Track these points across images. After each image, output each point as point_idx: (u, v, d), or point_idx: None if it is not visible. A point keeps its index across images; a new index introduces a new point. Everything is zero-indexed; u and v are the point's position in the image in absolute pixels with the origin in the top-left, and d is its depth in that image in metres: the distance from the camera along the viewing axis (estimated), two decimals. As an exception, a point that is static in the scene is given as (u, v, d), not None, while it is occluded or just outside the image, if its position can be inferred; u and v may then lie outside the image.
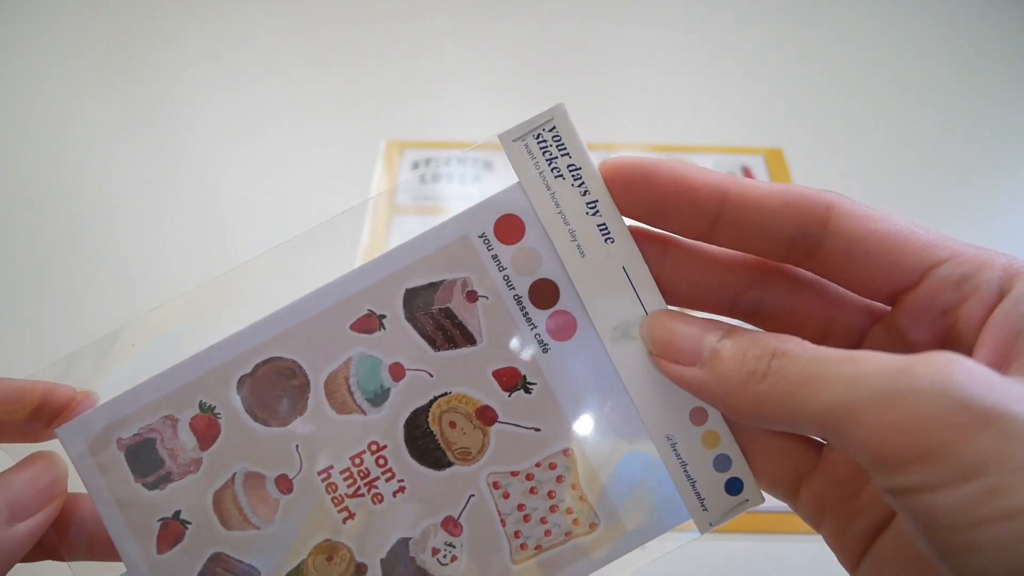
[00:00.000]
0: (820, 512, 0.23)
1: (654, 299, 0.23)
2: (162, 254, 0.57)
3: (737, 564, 0.43)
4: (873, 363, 0.18)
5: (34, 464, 0.23)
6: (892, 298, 0.22)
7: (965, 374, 0.17)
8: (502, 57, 0.72)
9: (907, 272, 0.21)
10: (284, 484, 0.23)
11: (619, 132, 0.64)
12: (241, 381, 0.23)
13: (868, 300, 0.24)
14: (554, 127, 0.23)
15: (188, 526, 0.23)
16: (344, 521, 0.23)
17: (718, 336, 0.22)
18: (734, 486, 0.24)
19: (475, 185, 0.59)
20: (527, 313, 0.24)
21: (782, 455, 0.24)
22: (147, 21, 0.75)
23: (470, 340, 0.24)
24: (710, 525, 0.24)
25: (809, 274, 0.24)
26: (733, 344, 0.21)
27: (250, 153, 0.64)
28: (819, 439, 0.24)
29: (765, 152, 0.61)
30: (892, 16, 0.74)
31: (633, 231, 0.23)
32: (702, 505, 0.24)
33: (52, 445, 0.23)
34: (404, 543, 0.23)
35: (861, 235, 0.21)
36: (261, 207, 0.60)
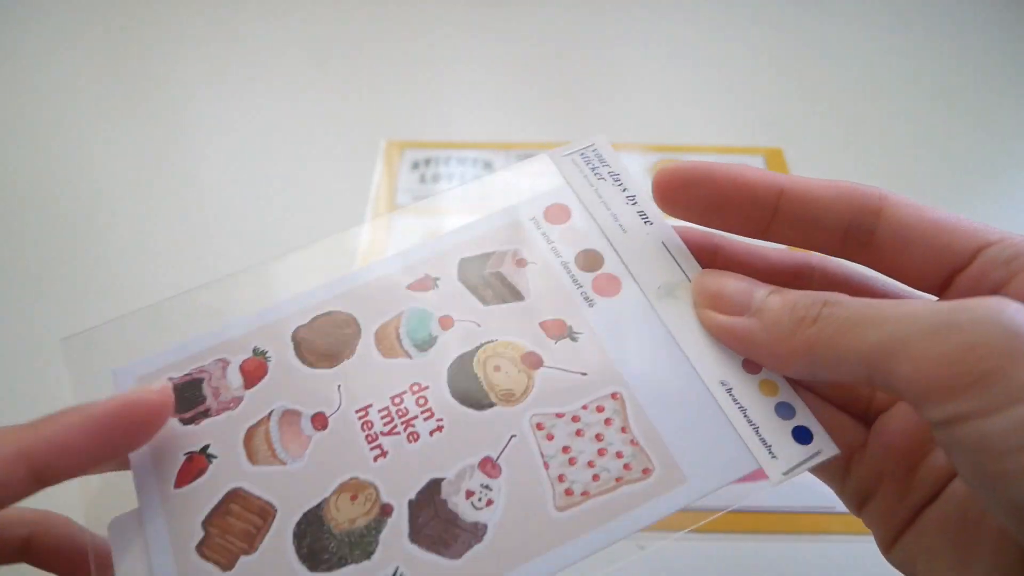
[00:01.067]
0: (868, 489, 0.23)
1: (693, 267, 0.24)
2: (163, 254, 0.56)
3: (745, 565, 0.39)
4: (924, 304, 0.19)
5: None
6: (944, 283, 0.23)
7: (1017, 310, 0.18)
8: (502, 56, 0.72)
9: (959, 254, 0.22)
10: (320, 421, 0.22)
11: (620, 132, 0.63)
12: (297, 330, 0.24)
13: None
14: (596, 149, 0.27)
15: (213, 460, 0.22)
16: (375, 459, 0.22)
17: (767, 291, 0.23)
18: (802, 435, 0.21)
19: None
20: (573, 275, 0.25)
21: (832, 429, 0.23)
22: (147, 21, 0.75)
23: (518, 297, 0.24)
24: (784, 475, 0.21)
25: (852, 271, 0.25)
26: (783, 297, 0.22)
27: (251, 153, 0.63)
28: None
29: (765, 152, 0.60)
30: (893, 16, 0.74)
31: (682, 236, 0.25)
32: (770, 453, 0.21)
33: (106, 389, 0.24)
34: (436, 484, 0.21)
35: (913, 222, 0.23)
36: (262, 207, 0.59)
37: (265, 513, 0.21)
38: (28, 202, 0.61)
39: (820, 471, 0.24)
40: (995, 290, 0.21)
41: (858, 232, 0.23)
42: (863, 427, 0.24)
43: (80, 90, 0.70)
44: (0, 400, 0.48)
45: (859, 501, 0.24)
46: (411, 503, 0.21)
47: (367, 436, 0.22)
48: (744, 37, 0.75)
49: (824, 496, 0.25)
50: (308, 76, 0.71)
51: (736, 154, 0.64)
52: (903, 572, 0.22)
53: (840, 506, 0.24)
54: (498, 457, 0.22)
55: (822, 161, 0.63)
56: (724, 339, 0.23)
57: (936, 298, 0.23)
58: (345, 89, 0.69)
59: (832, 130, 0.66)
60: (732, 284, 0.23)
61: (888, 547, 0.23)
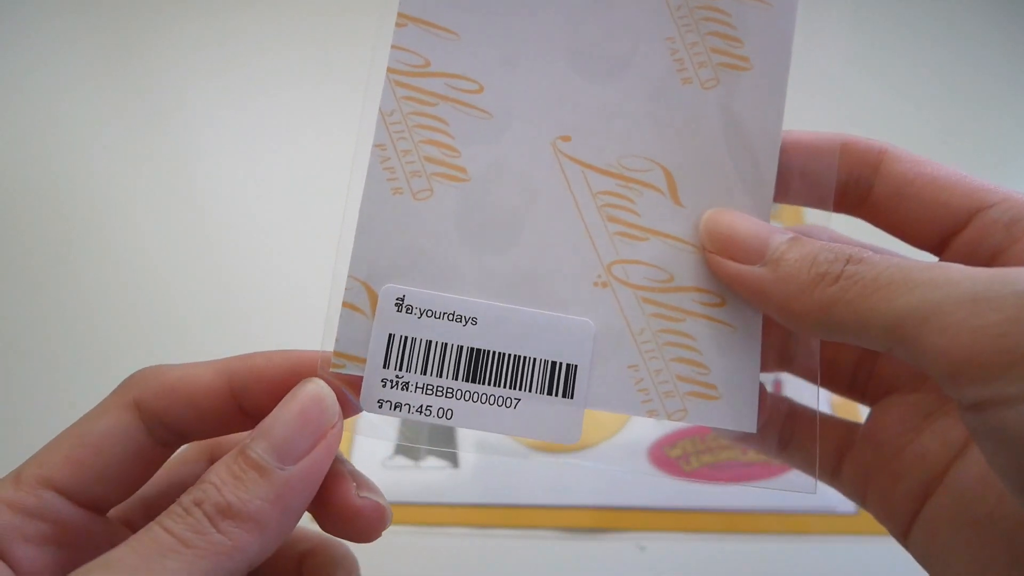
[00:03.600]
0: (864, 481, 0.23)
1: None
2: (163, 253, 0.57)
3: (745, 565, 0.41)
4: (960, 270, 0.17)
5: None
6: (941, 244, 0.22)
7: None
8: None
9: (955, 214, 0.22)
10: None
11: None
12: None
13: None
14: None
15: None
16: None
17: (785, 238, 0.21)
18: None
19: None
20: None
21: (823, 431, 0.24)
22: (147, 21, 0.74)
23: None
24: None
25: None
26: (802, 247, 0.20)
27: (254, 150, 0.63)
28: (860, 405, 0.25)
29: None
30: (893, 15, 0.75)
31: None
32: None
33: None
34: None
35: (910, 178, 0.22)
36: (263, 207, 0.59)
37: None
38: (27, 203, 0.60)
39: (813, 472, 0.24)
40: (994, 255, 0.21)
41: (856, 187, 0.23)
42: (848, 426, 0.24)
43: (79, 90, 0.67)
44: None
45: (858, 498, 0.23)
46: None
47: None
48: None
49: (824, 496, 0.25)
50: (309, 73, 0.69)
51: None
52: (923, 567, 0.22)
53: (840, 506, 0.24)
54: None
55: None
56: (733, 288, 0.22)
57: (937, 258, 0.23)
58: (347, 90, 0.66)
59: (832, 130, 0.66)
60: (745, 227, 0.22)
61: (902, 540, 0.22)
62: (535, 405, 0.22)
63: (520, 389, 0.22)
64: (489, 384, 0.22)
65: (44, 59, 0.70)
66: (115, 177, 0.62)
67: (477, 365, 0.22)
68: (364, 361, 0.21)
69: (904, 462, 0.22)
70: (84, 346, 0.52)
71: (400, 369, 0.21)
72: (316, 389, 0.20)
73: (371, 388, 0.21)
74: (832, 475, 0.24)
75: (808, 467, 0.23)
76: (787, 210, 0.58)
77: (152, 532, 0.18)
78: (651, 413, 0.22)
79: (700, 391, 0.22)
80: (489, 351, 0.22)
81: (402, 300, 0.22)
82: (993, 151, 0.64)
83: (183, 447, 0.23)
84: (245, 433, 0.20)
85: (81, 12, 0.74)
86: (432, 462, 0.44)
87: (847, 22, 0.75)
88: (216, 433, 0.22)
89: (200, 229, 0.59)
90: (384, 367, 0.21)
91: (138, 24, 0.73)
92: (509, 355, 0.22)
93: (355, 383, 0.21)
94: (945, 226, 0.22)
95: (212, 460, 0.24)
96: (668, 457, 0.41)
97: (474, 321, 0.22)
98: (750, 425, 0.22)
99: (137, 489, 0.22)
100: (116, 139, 0.65)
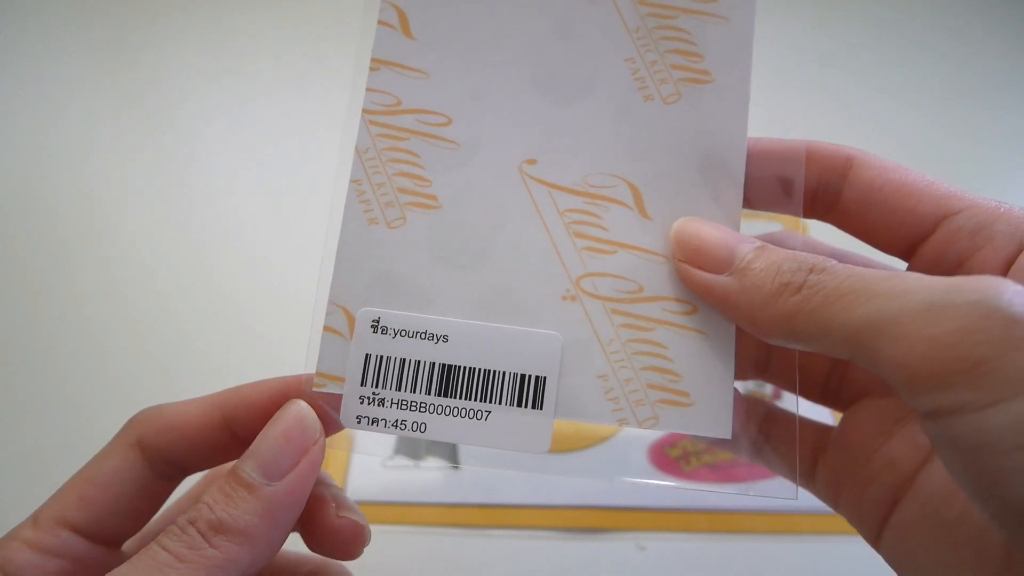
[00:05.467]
0: (837, 485, 0.23)
1: None
2: (153, 260, 0.58)
3: (745, 565, 0.40)
4: (917, 280, 0.17)
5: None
6: (909, 250, 0.23)
7: (1016, 293, 0.16)
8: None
9: (922, 221, 0.22)
10: None
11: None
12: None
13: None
14: None
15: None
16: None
17: (752, 247, 0.21)
18: None
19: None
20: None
21: (800, 434, 0.24)
22: (145, 21, 0.75)
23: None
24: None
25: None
26: (768, 256, 0.21)
27: (249, 159, 0.64)
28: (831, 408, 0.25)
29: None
30: (893, 14, 0.73)
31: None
32: None
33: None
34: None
35: (878, 184, 0.22)
36: (265, 212, 0.60)
37: None
38: (22, 206, 0.62)
39: (791, 475, 0.24)
40: (959, 262, 0.21)
41: (825, 193, 0.23)
42: (822, 429, 0.24)
43: (75, 97, 0.69)
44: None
45: (832, 500, 0.23)
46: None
47: None
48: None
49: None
50: (308, 74, 0.70)
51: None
52: (895, 570, 0.22)
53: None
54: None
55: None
56: (702, 297, 0.22)
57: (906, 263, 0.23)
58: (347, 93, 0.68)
59: (832, 131, 0.67)
60: (713, 235, 0.22)
61: (874, 544, 0.22)
62: (505, 417, 0.22)
63: (490, 402, 0.23)
64: (460, 398, 0.23)
65: (40, 65, 0.72)
66: (110, 183, 0.64)
67: (448, 380, 0.23)
68: (343, 380, 0.23)
69: (874, 467, 0.22)
70: (79, 347, 0.54)
71: (376, 386, 0.23)
72: (298, 410, 0.22)
73: (350, 405, 0.23)
74: (807, 478, 0.24)
75: (783, 470, 0.23)
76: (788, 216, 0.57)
77: (151, 551, 0.20)
78: (622, 421, 0.23)
79: (672, 398, 0.23)
80: (460, 366, 0.23)
81: (377, 322, 0.23)
82: (975, 152, 0.63)
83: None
84: None
85: (77, 18, 0.75)
86: (432, 462, 0.45)
87: (814, 27, 0.71)
88: (215, 463, 0.24)
89: (195, 234, 0.61)
90: (362, 385, 0.23)
91: (135, 32, 0.74)
92: (479, 369, 0.23)
93: (337, 401, 0.23)
94: (913, 232, 0.22)
95: None
96: (668, 457, 0.40)
97: (445, 339, 0.23)
98: (724, 431, 0.22)
99: (146, 522, 0.24)
100: (111, 143, 0.66)
